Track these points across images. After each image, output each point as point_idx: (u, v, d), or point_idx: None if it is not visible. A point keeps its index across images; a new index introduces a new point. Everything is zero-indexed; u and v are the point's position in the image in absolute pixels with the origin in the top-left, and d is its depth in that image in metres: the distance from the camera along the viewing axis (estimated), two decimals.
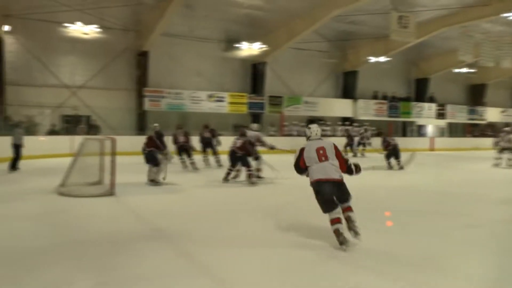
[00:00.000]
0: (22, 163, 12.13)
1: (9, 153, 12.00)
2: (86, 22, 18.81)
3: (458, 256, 4.75)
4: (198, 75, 22.23)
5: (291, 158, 5.24)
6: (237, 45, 22.05)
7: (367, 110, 26.34)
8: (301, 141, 4.65)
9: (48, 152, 15.56)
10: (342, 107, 25.87)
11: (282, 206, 4.89)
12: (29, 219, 6.40)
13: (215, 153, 14.08)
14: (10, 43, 18.54)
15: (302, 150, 5.14)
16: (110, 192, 8.26)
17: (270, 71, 23.73)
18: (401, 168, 13.48)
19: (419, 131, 29.78)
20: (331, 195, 4.87)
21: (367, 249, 4.74)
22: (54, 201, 7.83)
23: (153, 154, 9.85)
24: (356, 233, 4.82)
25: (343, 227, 4.78)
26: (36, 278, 3.92)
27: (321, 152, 4.99)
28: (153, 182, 9.76)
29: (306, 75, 25.34)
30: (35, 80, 19.04)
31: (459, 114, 30.19)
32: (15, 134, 12.08)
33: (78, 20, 18.67)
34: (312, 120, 24.77)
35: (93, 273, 4.05)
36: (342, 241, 4.70)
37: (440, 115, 29.35)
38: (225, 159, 10.83)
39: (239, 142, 10.05)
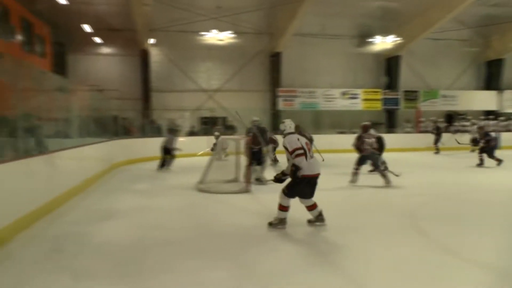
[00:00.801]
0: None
1: (153, 153, 12.57)
2: (221, 29, 19.91)
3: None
4: (331, 73, 21.99)
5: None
6: (370, 40, 21.43)
7: None
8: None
9: (188, 151, 16.41)
10: (484, 100, 23.52)
11: (418, 205, 4.56)
12: (172, 212, 6.80)
13: None
14: (154, 54, 20.36)
15: (297, 139, 5.16)
16: (246, 190, 8.38)
17: (405, 64, 22.49)
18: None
19: None
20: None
21: None
22: (194, 196, 8.13)
23: (261, 152, 9.59)
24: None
25: None
26: (176, 265, 4.22)
27: (309, 147, 5.14)
28: (259, 181, 9.31)
29: (444, 66, 23.51)
30: (176, 86, 20.56)
31: None
32: (166, 139, 12.60)
33: (214, 28, 19.87)
34: (450, 115, 23.04)
35: (227, 265, 4.19)
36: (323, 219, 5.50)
37: None
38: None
39: (374, 143, 9.11)
